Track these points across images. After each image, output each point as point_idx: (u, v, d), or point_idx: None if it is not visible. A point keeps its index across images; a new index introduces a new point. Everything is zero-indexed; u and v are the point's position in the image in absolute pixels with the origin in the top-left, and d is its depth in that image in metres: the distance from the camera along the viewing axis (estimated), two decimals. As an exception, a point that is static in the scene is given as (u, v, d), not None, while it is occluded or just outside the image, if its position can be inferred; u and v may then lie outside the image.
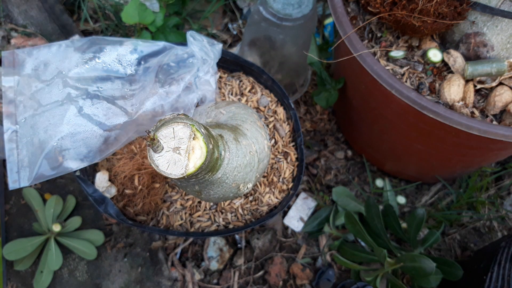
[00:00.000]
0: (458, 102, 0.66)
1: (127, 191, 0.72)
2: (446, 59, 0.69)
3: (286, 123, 0.80)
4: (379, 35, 0.73)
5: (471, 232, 0.96)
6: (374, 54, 0.72)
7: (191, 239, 0.90)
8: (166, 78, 0.70)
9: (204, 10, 1.13)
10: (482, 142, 0.68)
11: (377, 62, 0.67)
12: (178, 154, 0.44)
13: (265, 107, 0.80)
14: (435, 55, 0.70)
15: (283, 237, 0.92)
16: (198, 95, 0.71)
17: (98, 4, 1.05)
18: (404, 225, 0.91)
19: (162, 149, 0.44)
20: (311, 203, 0.95)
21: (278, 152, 0.78)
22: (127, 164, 0.72)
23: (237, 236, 0.91)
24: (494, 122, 0.66)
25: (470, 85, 0.67)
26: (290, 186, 0.77)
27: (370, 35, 0.74)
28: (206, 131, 0.47)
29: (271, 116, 0.80)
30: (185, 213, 0.73)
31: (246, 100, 0.80)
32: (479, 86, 0.67)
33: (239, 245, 0.90)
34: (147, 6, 0.92)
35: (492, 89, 0.67)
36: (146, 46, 0.72)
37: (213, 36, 1.14)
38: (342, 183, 0.99)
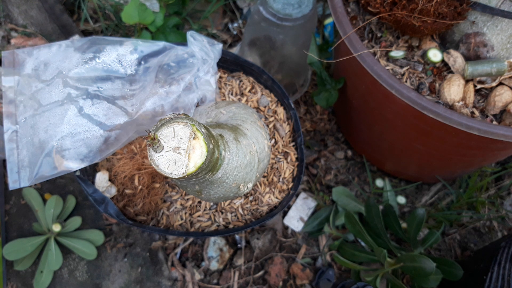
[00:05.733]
0: (458, 102, 0.66)
1: (127, 191, 0.72)
2: (446, 59, 0.69)
3: (286, 123, 0.80)
4: (379, 35, 0.73)
5: (471, 232, 0.96)
6: (374, 54, 0.72)
7: (191, 239, 0.90)
8: (166, 78, 0.70)
9: (204, 10, 1.13)
10: (482, 142, 0.68)
11: (377, 62, 0.67)
12: (178, 153, 0.44)
13: (265, 107, 0.80)
14: (435, 55, 0.70)
15: (283, 237, 0.92)
16: (198, 95, 0.71)
17: (98, 4, 1.05)
18: (404, 225, 0.91)
19: (162, 149, 0.44)
20: (311, 203, 0.95)
21: (278, 152, 0.78)
22: (127, 164, 0.72)
23: (237, 236, 0.91)
24: (494, 122, 0.66)
25: (470, 85, 0.67)
26: (290, 186, 0.77)
27: (370, 35, 0.74)
28: (207, 131, 0.47)
29: (271, 116, 0.80)
30: (185, 213, 0.73)
31: (246, 100, 0.80)
32: (479, 86, 0.67)
33: (239, 245, 0.90)
34: (147, 6, 0.92)
35: (492, 89, 0.67)
36: (146, 46, 0.72)
37: (213, 36, 1.14)
38: (342, 183, 0.99)
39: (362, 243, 0.90)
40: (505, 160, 1.03)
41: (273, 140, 0.79)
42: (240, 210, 0.74)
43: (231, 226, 0.74)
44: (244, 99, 0.80)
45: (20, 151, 0.63)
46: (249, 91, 0.81)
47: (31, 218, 0.88)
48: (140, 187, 0.72)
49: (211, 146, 0.46)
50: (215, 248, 0.89)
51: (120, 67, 0.70)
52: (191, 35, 0.73)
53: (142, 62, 0.71)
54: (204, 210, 0.74)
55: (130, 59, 0.71)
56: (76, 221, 0.86)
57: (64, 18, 1.07)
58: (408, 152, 0.83)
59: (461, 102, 0.66)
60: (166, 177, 0.73)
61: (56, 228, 0.82)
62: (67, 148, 0.63)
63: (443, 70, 0.70)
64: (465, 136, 0.66)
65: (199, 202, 0.74)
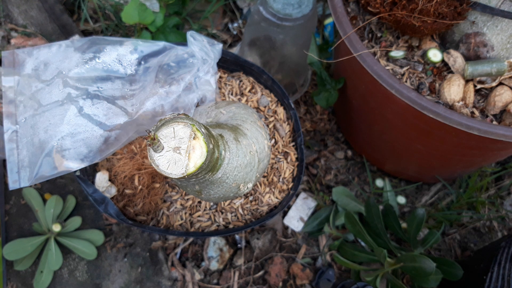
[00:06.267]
0: (458, 102, 0.66)
1: (127, 191, 0.72)
2: (446, 59, 0.69)
3: (286, 123, 0.80)
4: (379, 35, 0.73)
5: (471, 232, 0.96)
6: (374, 54, 0.72)
7: (191, 239, 0.90)
8: (166, 78, 0.70)
9: (204, 10, 1.13)
10: (482, 142, 0.68)
11: (377, 62, 0.67)
12: (178, 153, 0.44)
13: (265, 107, 0.80)
14: (435, 55, 0.70)
15: (283, 237, 0.92)
16: (198, 95, 0.71)
17: (98, 4, 1.05)
18: (404, 225, 0.91)
19: (162, 149, 0.44)
20: (311, 203, 0.95)
21: (278, 152, 0.78)
22: (127, 164, 0.72)
23: (237, 236, 0.91)
24: (494, 122, 0.66)
25: (470, 85, 0.67)
26: (290, 186, 0.77)
27: (370, 35, 0.74)
28: (207, 131, 0.47)
29: (271, 116, 0.80)
30: (185, 213, 0.73)
31: (246, 100, 0.80)
32: (479, 86, 0.67)
33: (239, 245, 0.90)
34: (147, 6, 0.92)
35: (492, 89, 0.67)
36: (146, 46, 0.72)
37: (213, 36, 1.14)
38: (342, 183, 0.99)
39: (362, 243, 0.90)
40: (505, 160, 1.03)
41: (273, 140, 0.79)
42: (240, 210, 0.74)
43: (231, 226, 0.74)
44: (244, 99, 0.80)
45: (20, 151, 0.63)
46: (249, 91, 0.81)
47: (31, 218, 0.88)
48: (140, 187, 0.72)
49: (211, 146, 0.46)
50: (215, 248, 0.89)
51: (120, 67, 0.70)
52: (191, 35, 0.73)
53: (142, 62, 0.71)
54: (204, 210, 0.74)
55: (130, 59, 0.71)
56: (76, 221, 0.86)
57: (64, 18, 1.07)
58: (408, 152, 0.83)
59: (461, 102, 0.66)
60: (166, 177, 0.73)
61: (56, 228, 0.82)
62: (67, 148, 0.63)
63: (443, 70, 0.70)
64: (465, 136, 0.66)
65: (199, 202, 0.74)
